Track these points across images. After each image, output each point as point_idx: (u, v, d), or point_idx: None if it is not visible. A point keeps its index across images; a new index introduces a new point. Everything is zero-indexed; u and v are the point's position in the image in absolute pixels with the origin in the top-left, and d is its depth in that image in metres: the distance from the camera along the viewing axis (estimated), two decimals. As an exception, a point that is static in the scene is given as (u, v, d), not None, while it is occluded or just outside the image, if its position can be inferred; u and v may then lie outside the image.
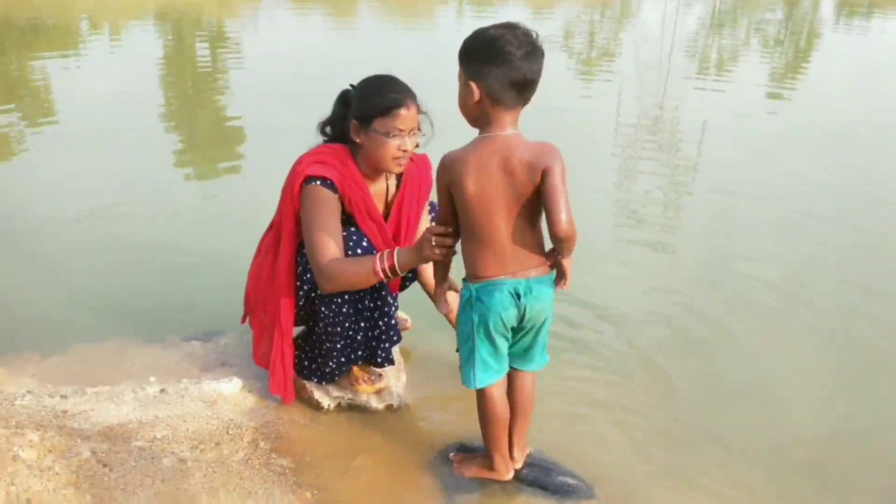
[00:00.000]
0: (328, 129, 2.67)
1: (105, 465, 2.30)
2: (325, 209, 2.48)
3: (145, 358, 3.03)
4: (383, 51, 11.60)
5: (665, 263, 4.30)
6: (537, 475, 2.43)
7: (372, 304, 2.63)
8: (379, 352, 2.71)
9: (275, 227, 2.69)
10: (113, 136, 6.37)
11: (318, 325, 2.64)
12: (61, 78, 9.03)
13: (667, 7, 20.53)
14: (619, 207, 5.15)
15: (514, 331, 2.21)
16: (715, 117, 7.87)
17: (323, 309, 2.57)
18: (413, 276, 2.95)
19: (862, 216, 4.98)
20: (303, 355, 2.78)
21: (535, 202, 2.04)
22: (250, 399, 2.78)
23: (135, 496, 2.20)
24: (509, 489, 2.41)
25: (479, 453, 2.46)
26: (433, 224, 2.32)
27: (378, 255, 2.39)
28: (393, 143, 2.47)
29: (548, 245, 2.11)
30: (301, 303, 2.62)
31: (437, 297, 2.39)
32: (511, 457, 2.42)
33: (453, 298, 2.44)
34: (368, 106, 2.47)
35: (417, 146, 2.56)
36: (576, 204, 1.99)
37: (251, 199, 4.72)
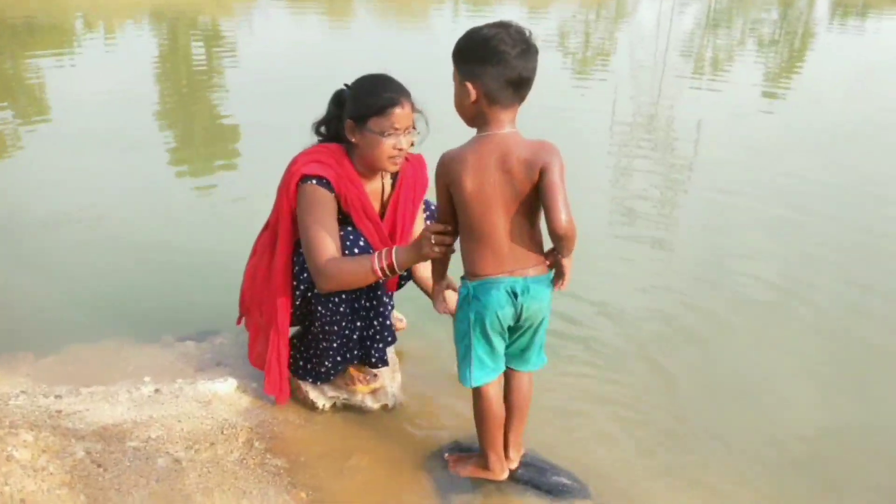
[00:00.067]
0: (323, 129, 2.67)
1: (99, 466, 2.29)
2: (322, 208, 2.48)
3: (140, 358, 3.02)
4: (378, 50, 11.59)
5: (663, 261, 4.31)
6: (532, 475, 2.43)
7: (368, 304, 2.63)
8: (373, 352, 2.71)
9: (271, 227, 2.68)
10: (107, 136, 6.35)
11: (314, 324, 2.64)
12: (56, 77, 9.01)
13: (662, 7, 20.55)
14: (616, 206, 5.17)
15: (512, 330, 2.21)
16: (711, 116, 7.91)
17: (319, 308, 2.57)
18: (409, 274, 2.95)
19: (859, 214, 5.00)
20: (298, 355, 2.78)
21: (534, 201, 2.04)
22: (245, 399, 2.78)
23: (129, 496, 2.20)
24: (504, 489, 2.41)
25: (474, 453, 2.47)
26: (428, 223, 2.32)
27: (376, 254, 2.39)
28: (388, 142, 2.46)
29: (547, 244, 2.12)
30: (297, 302, 2.62)
31: (434, 296, 2.38)
32: (506, 457, 2.42)
33: (451, 297, 2.44)
34: (363, 105, 2.47)
35: (413, 145, 2.56)
36: (573, 202, 1.99)
37: (246, 199, 4.74)
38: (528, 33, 2.02)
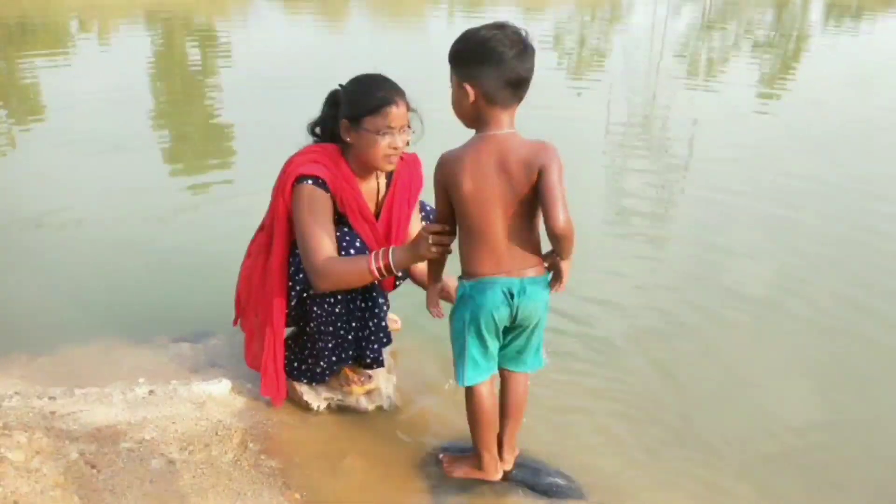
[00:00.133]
0: (318, 130, 2.67)
1: (93, 467, 2.29)
2: (318, 208, 2.47)
3: (134, 359, 3.01)
4: (373, 51, 11.59)
5: (660, 260, 4.32)
6: (526, 476, 2.44)
7: (363, 305, 2.64)
8: (367, 352, 2.71)
9: (266, 228, 2.68)
10: (101, 136, 6.34)
11: (308, 325, 2.64)
12: (50, 77, 8.99)
13: (657, 9, 20.59)
14: (613, 205, 5.19)
15: (508, 331, 2.21)
16: (707, 117, 7.92)
17: (315, 309, 2.57)
18: (404, 274, 2.94)
19: (855, 213, 5.03)
20: (292, 356, 2.77)
21: (532, 201, 2.04)
22: (239, 400, 2.77)
23: (123, 498, 2.19)
24: (498, 490, 2.41)
25: (468, 453, 2.46)
26: (426, 223, 2.32)
27: (373, 254, 2.39)
28: (384, 141, 2.46)
29: (546, 246, 2.12)
30: (293, 303, 2.62)
31: (429, 298, 2.38)
32: (501, 458, 2.42)
33: (451, 283, 2.42)
34: (358, 105, 2.47)
35: (408, 144, 2.56)
36: (571, 203, 2.00)
37: (241, 200, 4.72)
38: (524, 34, 2.03)
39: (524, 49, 2.00)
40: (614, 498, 2.43)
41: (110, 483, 2.24)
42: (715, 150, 6.62)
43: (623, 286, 3.90)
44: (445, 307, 2.35)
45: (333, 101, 2.60)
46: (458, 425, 2.55)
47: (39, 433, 2.39)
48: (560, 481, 2.43)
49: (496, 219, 2.06)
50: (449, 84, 2.10)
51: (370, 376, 2.83)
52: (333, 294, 2.54)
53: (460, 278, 2.19)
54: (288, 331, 2.75)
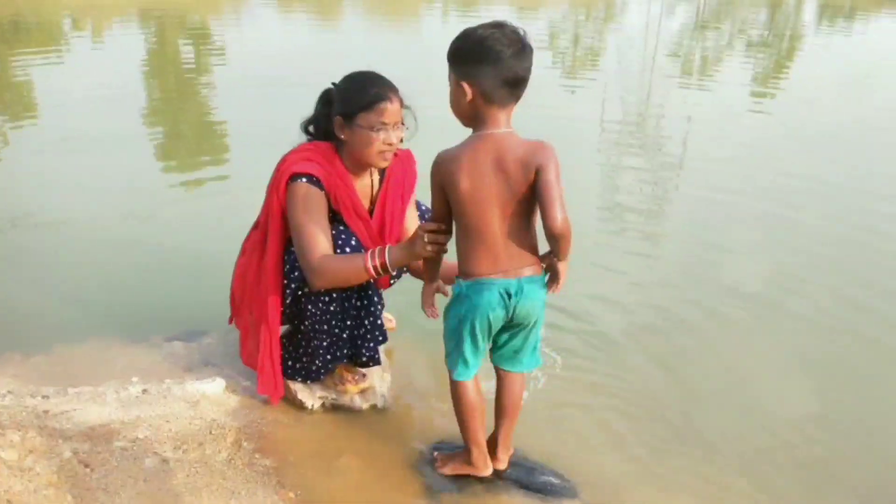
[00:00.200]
0: (311, 129, 2.67)
1: (87, 466, 2.28)
2: (313, 206, 2.47)
3: (128, 358, 3.01)
4: (367, 50, 11.58)
5: (655, 259, 4.33)
6: (521, 475, 2.44)
7: (359, 303, 2.64)
8: (363, 350, 2.71)
9: (260, 226, 2.68)
10: (94, 135, 6.31)
11: (303, 323, 2.63)
12: (44, 76, 8.96)
13: (651, 8, 20.62)
14: (608, 203, 5.20)
15: (504, 330, 2.21)
16: (701, 116, 7.95)
17: (310, 307, 2.57)
18: (399, 273, 2.94)
19: (851, 211, 5.07)
20: (287, 355, 2.77)
21: (530, 201, 2.05)
22: (233, 399, 2.77)
23: (117, 496, 2.19)
24: (493, 489, 2.41)
25: (459, 451, 2.46)
26: (423, 222, 2.32)
27: (369, 252, 2.39)
28: (378, 138, 2.46)
29: (543, 247, 2.12)
30: (288, 301, 2.61)
31: (424, 298, 2.37)
32: (495, 457, 2.42)
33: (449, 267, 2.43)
34: (352, 101, 2.47)
35: (402, 141, 2.56)
36: (567, 201, 2.00)
37: (235, 198, 4.72)
38: (522, 33, 2.03)
39: (522, 48, 2.01)
40: (609, 497, 2.43)
41: (104, 482, 2.23)
42: (710, 148, 6.66)
43: (621, 283, 3.91)
44: (440, 307, 2.35)
45: (326, 99, 2.60)
46: (452, 424, 2.54)
47: (33, 432, 2.38)
48: (554, 480, 2.43)
49: (493, 218, 2.06)
50: (447, 82, 2.10)
51: (364, 375, 2.82)
52: (328, 292, 2.54)
53: (457, 277, 2.19)
54: (282, 329, 2.75)
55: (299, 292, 2.58)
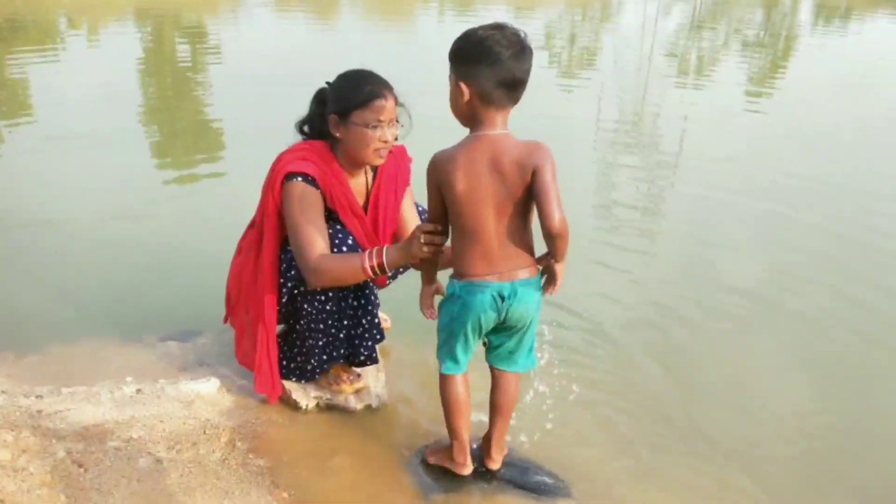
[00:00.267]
0: (306, 129, 2.67)
1: (80, 466, 2.28)
2: (309, 205, 2.47)
3: (122, 358, 3.00)
4: (364, 50, 11.57)
5: (650, 261, 4.32)
6: (515, 474, 2.44)
7: (356, 303, 2.64)
8: (362, 349, 2.71)
9: (256, 225, 2.67)
10: (89, 134, 6.31)
11: (299, 322, 2.63)
12: (40, 76, 8.94)
13: (647, 8, 20.64)
14: (603, 201, 5.21)
15: (498, 332, 2.22)
16: (697, 115, 7.97)
17: (306, 306, 2.57)
18: (396, 273, 2.94)
19: (847, 210, 5.09)
20: (281, 354, 2.76)
21: (526, 202, 2.05)
22: (228, 399, 2.77)
23: (110, 496, 2.19)
24: (487, 489, 2.41)
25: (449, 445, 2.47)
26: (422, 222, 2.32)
27: (367, 253, 2.39)
28: (373, 135, 2.46)
29: (541, 249, 2.12)
30: (284, 300, 2.62)
31: (422, 300, 2.36)
32: (489, 456, 2.43)
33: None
34: (346, 99, 2.47)
35: (397, 138, 2.56)
36: (563, 201, 2.00)
37: (230, 198, 4.71)
38: (523, 35, 2.03)
39: (521, 50, 2.01)
40: (603, 497, 2.43)
41: (97, 482, 2.23)
42: (707, 147, 6.67)
43: (620, 281, 3.93)
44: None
45: (321, 99, 2.60)
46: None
47: (26, 432, 2.38)
48: (548, 480, 2.43)
49: (488, 219, 2.06)
50: (445, 82, 2.10)
51: (359, 375, 2.82)
52: (325, 291, 2.54)
53: (451, 276, 2.20)
54: (278, 328, 2.75)
55: (295, 291, 2.58)
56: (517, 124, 2.09)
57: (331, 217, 2.57)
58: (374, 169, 2.68)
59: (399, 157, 2.73)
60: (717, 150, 6.55)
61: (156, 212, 4.66)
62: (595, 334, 3.37)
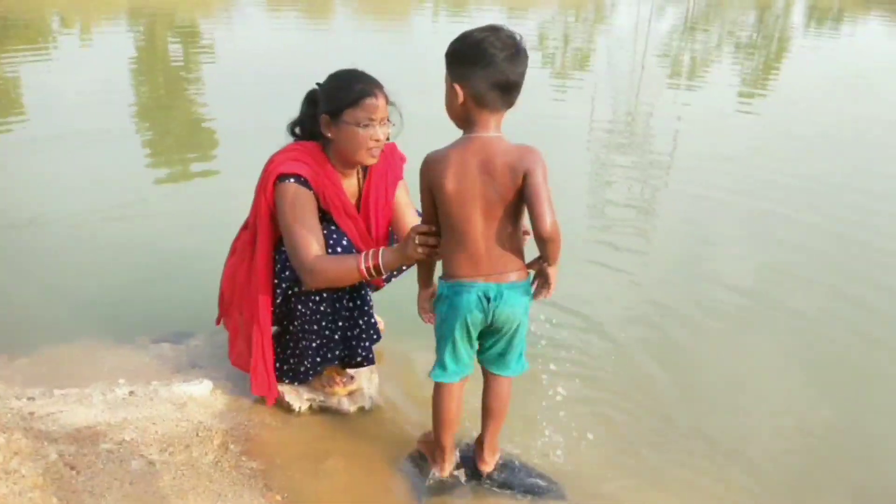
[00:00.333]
0: (297, 130, 2.66)
1: (72, 468, 2.28)
2: (302, 206, 2.47)
3: (114, 360, 2.99)
4: (357, 52, 11.56)
5: (646, 262, 4.33)
6: (508, 476, 2.44)
7: (351, 304, 2.63)
8: (359, 350, 2.70)
9: (250, 226, 2.67)
10: (82, 134, 6.28)
11: (292, 323, 2.63)
12: (32, 76, 8.89)
13: (640, 10, 20.68)
14: (596, 203, 5.21)
15: (487, 335, 2.22)
16: (691, 116, 8.00)
17: (300, 307, 2.56)
18: (390, 276, 2.94)
19: (849, 210, 5.12)
20: (274, 356, 2.76)
21: (516, 205, 2.05)
22: (220, 401, 2.76)
23: (102, 499, 2.18)
24: (479, 490, 2.41)
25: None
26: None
27: (363, 254, 2.39)
28: (365, 134, 2.46)
29: (533, 252, 2.12)
30: (278, 301, 2.61)
31: (420, 303, 2.36)
32: (482, 459, 2.43)
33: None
34: (338, 98, 2.46)
35: (388, 137, 2.55)
36: (555, 202, 2.00)
37: (223, 200, 4.69)
38: (518, 38, 2.03)
39: (516, 53, 2.01)
40: (596, 499, 2.44)
41: (89, 484, 2.22)
42: (701, 147, 6.69)
43: (616, 280, 3.94)
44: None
45: (311, 100, 2.60)
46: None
47: (18, 434, 2.37)
48: (541, 482, 2.43)
49: (476, 220, 2.06)
50: (438, 82, 2.10)
51: (353, 377, 2.82)
52: (319, 292, 2.53)
53: (440, 277, 2.20)
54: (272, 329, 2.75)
55: (290, 292, 2.58)
56: (511, 123, 2.10)
57: (324, 218, 2.57)
58: (365, 168, 2.68)
59: (390, 156, 2.72)
60: (710, 149, 6.57)
61: (148, 212, 4.65)
62: (593, 333, 3.38)
